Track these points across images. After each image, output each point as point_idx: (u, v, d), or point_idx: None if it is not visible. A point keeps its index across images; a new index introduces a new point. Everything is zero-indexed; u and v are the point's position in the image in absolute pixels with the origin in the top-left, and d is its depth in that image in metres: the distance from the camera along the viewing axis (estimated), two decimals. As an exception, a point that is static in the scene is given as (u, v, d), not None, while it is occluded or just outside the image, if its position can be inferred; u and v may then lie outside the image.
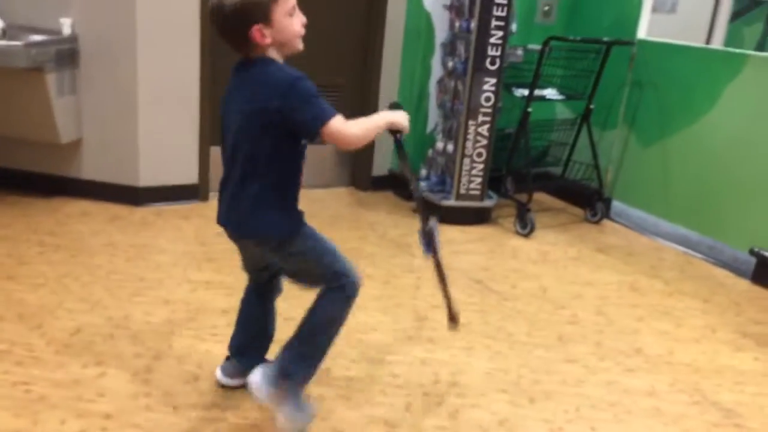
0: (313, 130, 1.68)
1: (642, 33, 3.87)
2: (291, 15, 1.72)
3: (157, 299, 2.64)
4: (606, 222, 4.03)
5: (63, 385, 2.06)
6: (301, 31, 1.76)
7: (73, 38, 3.34)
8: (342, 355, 2.35)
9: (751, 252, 3.32)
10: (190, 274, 2.87)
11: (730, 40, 4.82)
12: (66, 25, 3.31)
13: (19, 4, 3.35)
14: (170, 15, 3.43)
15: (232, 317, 2.10)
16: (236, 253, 2.00)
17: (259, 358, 2.03)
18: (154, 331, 2.41)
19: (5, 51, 3.00)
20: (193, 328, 2.44)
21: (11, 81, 3.20)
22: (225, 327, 2.44)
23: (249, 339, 2.10)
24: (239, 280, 2.10)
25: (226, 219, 1.85)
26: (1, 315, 2.43)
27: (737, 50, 3.54)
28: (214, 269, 2.93)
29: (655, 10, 4.09)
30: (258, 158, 1.74)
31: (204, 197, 3.73)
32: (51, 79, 3.20)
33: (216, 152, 4.18)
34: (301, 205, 1.84)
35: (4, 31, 3.06)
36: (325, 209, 3.80)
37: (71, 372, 2.13)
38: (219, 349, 2.30)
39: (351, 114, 1.76)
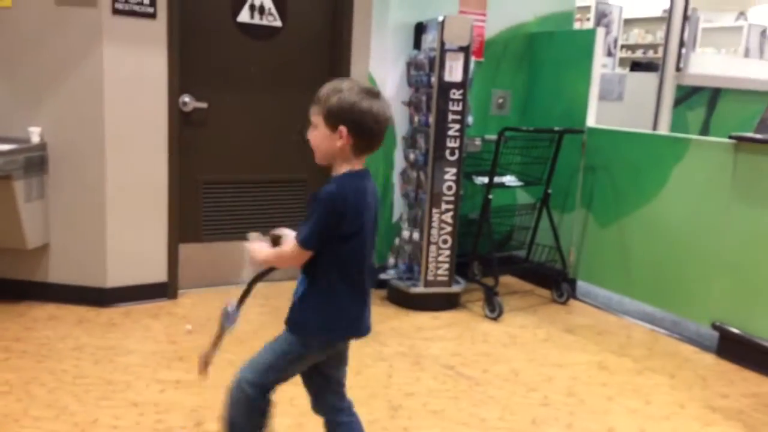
0: None
1: (591, 121, 4.09)
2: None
3: (124, 402, 2.59)
4: (573, 302, 4.10)
5: (27, 498, 2.00)
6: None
7: (41, 146, 3.40)
8: (315, 450, 2.32)
9: (713, 326, 3.40)
10: (159, 374, 2.83)
11: (675, 125, 5.09)
12: (35, 134, 3.37)
13: (-11, 115, 3.43)
14: (138, 120, 3.53)
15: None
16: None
17: None
18: (122, 435, 2.36)
19: (-25, 161, 3.04)
20: (161, 430, 2.40)
21: (-21, 189, 3.23)
22: (193, 427, 2.40)
23: None
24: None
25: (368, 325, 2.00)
26: (-38, 427, 2.36)
27: (681, 135, 3.76)
28: (185, 368, 2.90)
29: (602, 98, 4.34)
30: None
31: (173, 295, 3.72)
32: (19, 186, 3.24)
33: (185, 249, 4.13)
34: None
35: (-26, 142, 3.12)
36: (295, 302, 3.81)
37: (35, 483, 2.07)
38: (189, 450, 2.26)
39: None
